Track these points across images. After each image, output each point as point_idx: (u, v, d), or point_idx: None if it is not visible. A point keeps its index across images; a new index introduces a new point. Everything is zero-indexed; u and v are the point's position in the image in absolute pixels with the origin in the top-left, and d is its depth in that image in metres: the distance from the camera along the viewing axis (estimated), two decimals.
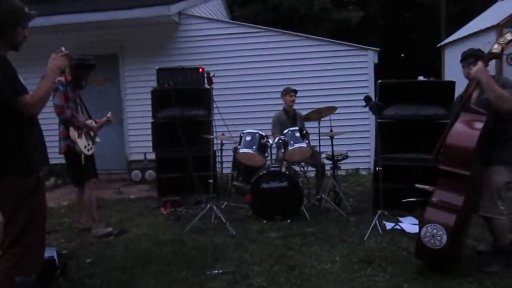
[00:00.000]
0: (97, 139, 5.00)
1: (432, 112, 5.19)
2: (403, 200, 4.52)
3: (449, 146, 3.44)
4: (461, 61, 3.74)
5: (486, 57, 3.47)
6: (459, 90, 4.24)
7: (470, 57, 3.68)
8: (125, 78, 8.35)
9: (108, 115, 5.14)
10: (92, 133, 4.88)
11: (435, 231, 3.33)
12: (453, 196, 3.40)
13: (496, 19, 9.62)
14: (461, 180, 3.36)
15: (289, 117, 6.06)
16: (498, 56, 3.46)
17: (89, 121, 4.88)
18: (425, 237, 3.37)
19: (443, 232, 3.30)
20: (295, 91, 6.05)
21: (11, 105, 2.49)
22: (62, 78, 4.52)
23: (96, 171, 5.05)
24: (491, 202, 3.43)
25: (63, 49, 2.80)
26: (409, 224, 4.64)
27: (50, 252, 3.39)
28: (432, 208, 3.45)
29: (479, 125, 3.36)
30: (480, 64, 3.37)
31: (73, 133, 4.57)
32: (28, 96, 2.53)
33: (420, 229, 3.42)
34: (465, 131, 3.44)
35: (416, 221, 3.97)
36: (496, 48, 3.37)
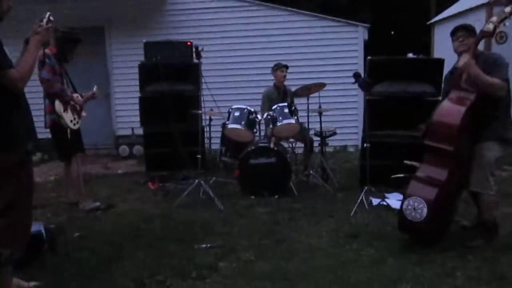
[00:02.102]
0: (84, 114, 4.93)
1: (420, 89, 5.22)
2: (392, 176, 4.57)
3: (435, 122, 3.51)
4: (451, 34, 3.72)
5: (478, 36, 3.46)
6: (448, 68, 4.25)
7: (459, 30, 3.66)
8: (112, 52, 8.21)
9: (94, 89, 5.06)
10: (78, 107, 4.81)
11: (416, 204, 3.41)
12: (436, 171, 3.47)
13: None
14: (446, 155, 3.43)
15: (280, 93, 6.03)
16: (490, 35, 3.44)
17: (75, 95, 4.81)
18: (407, 210, 3.46)
19: (424, 205, 3.38)
20: (286, 67, 6.00)
21: None
22: (47, 51, 4.42)
23: (83, 146, 5.00)
24: (482, 177, 3.47)
25: (49, 15, 2.72)
26: (395, 200, 4.71)
27: (37, 227, 3.39)
28: (415, 182, 3.55)
29: (467, 103, 3.39)
30: (467, 57, 3.35)
31: (59, 107, 4.49)
32: (15, 70, 2.47)
33: (403, 202, 3.49)
34: (451, 108, 3.48)
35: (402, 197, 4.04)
36: (488, 27, 3.37)
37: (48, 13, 2.74)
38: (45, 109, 4.61)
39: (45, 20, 2.70)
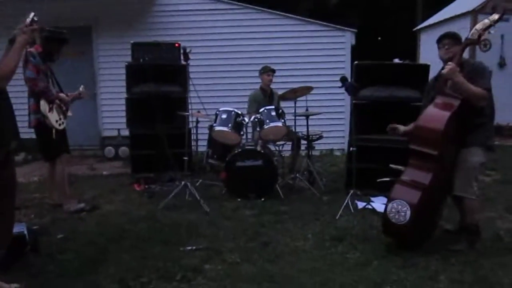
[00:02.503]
0: (69, 114, 4.88)
1: (406, 94, 5.28)
2: (378, 180, 4.61)
3: (420, 127, 3.57)
4: (437, 42, 3.78)
5: (462, 44, 3.51)
6: (433, 74, 4.31)
7: (445, 38, 3.71)
8: (99, 52, 8.14)
9: (81, 89, 5.02)
10: (64, 107, 4.75)
11: (400, 207, 3.45)
12: (421, 174, 3.52)
13: (471, 5, 9.75)
14: (430, 159, 3.48)
15: (266, 96, 6.05)
16: (475, 43, 3.51)
17: (61, 95, 4.75)
18: (391, 213, 3.50)
19: (407, 208, 3.42)
20: (273, 71, 6.02)
21: None
22: (33, 49, 4.37)
23: (68, 146, 4.94)
24: (466, 182, 3.52)
25: (33, 16, 2.70)
26: (380, 204, 4.73)
27: (19, 228, 3.34)
28: (399, 185, 3.60)
29: (451, 108, 3.45)
30: (451, 64, 3.40)
31: (44, 106, 4.44)
32: None
33: (387, 205, 3.53)
34: (436, 113, 3.54)
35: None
36: (473, 34, 3.42)
37: (32, 13, 2.73)
38: (29, 109, 4.55)
39: (28, 20, 2.69)
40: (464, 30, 3.54)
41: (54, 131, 4.56)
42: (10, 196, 2.65)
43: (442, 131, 3.41)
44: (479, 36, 3.40)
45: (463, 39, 3.59)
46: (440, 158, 3.45)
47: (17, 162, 7.03)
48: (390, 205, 3.52)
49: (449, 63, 3.43)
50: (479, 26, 3.41)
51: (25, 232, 3.39)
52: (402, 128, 3.88)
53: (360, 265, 3.38)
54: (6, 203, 2.62)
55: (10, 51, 2.63)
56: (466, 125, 3.52)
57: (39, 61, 4.44)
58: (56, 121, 4.58)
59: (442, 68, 3.60)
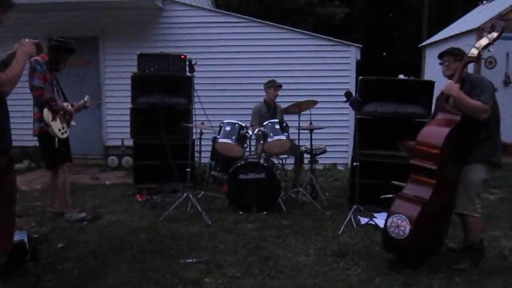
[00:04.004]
0: (73, 123, 4.90)
1: (410, 110, 5.26)
2: (382, 196, 4.59)
3: (420, 142, 3.58)
4: (439, 58, 3.78)
5: (463, 61, 3.52)
6: (438, 90, 4.30)
7: (445, 55, 3.72)
8: (105, 62, 8.19)
9: (86, 98, 5.04)
10: (67, 117, 4.77)
11: (399, 221, 3.43)
12: (421, 189, 3.52)
13: (477, 23, 9.79)
14: (430, 174, 3.47)
15: (270, 109, 6.05)
16: (475, 60, 3.51)
17: (65, 104, 4.77)
18: (391, 227, 3.48)
19: (407, 222, 3.40)
20: (280, 86, 6.03)
21: None
22: (39, 58, 4.40)
23: (71, 155, 4.95)
24: (468, 199, 3.50)
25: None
26: (382, 220, 4.67)
27: (20, 236, 3.33)
28: (400, 200, 3.59)
29: (450, 125, 3.45)
30: (450, 82, 3.43)
31: (47, 115, 4.45)
32: (2, 74, 2.46)
33: (387, 220, 3.51)
34: (435, 130, 3.56)
35: None
36: (473, 52, 3.43)
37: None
38: (34, 117, 4.56)
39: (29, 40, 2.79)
40: (469, 48, 3.53)
41: (56, 140, 4.57)
42: (11, 202, 2.65)
43: (441, 147, 3.41)
44: (479, 53, 3.42)
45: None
46: (439, 173, 3.44)
47: (20, 170, 7.07)
48: (390, 220, 3.51)
49: (449, 81, 3.45)
50: (478, 44, 3.43)
51: (25, 240, 3.38)
52: (411, 143, 3.86)
53: (362, 282, 3.34)
54: (8, 209, 2.62)
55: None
56: (468, 142, 3.50)
57: (45, 70, 4.47)
58: (59, 130, 4.59)
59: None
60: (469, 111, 3.37)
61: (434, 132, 3.54)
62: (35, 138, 4.60)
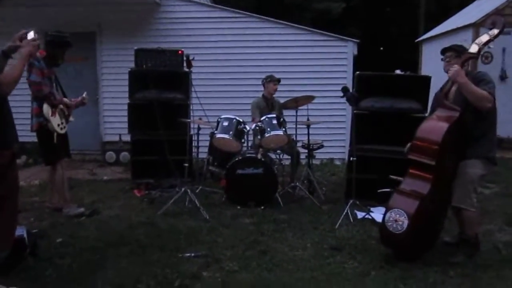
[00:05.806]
0: (71, 118, 4.91)
1: (407, 105, 5.29)
2: (378, 191, 4.62)
3: (418, 138, 3.61)
4: (441, 53, 3.81)
5: (463, 57, 3.54)
6: (435, 85, 4.33)
7: (448, 51, 3.74)
8: (102, 58, 8.17)
9: (84, 95, 5.04)
10: (66, 112, 4.78)
11: (397, 216, 3.47)
12: (419, 184, 3.55)
13: (474, 18, 9.80)
14: (428, 169, 3.50)
15: (268, 105, 6.07)
16: (475, 57, 3.52)
17: (65, 99, 4.78)
18: (389, 222, 3.52)
19: (405, 217, 3.44)
20: (279, 81, 6.05)
21: None
22: (37, 54, 4.39)
23: (69, 151, 4.97)
24: (465, 194, 3.53)
25: (33, 33, 2.78)
26: (379, 214, 4.70)
27: (20, 231, 3.35)
28: (398, 195, 3.63)
29: (449, 121, 3.48)
30: (456, 66, 3.43)
31: (47, 110, 4.46)
32: (2, 76, 2.49)
33: (385, 214, 3.54)
34: (434, 125, 3.59)
35: None
36: (473, 48, 3.45)
37: (32, 31, 2.80)
38: (32, 112, 4.57)
39: (30, 37, 2.77)
40: (466, 43, 3.57)
41: (55, 135, 4.58)
42: (14, 198, 2.68)
43: (439, 142, 3.44)
44: (479, 50, 3.43)
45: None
46: (438, 168, 3.47)
47: (18, 165, 7.05)
48: (388, 214, 3.55)
49: (454, 65, 3.45)
50: (479, 40, 3.45)
51: (25, 235, 3.40)
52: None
53: (358, 276, 3.38)
54: (11, 204, 2.64)
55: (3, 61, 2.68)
56: (467, 137, 3.54)
57: (43, 65, 4.47)
58: (58, 125, 4.60)
59: (447, 81, 3.63)
60: (476, 98, 3.38)
61: (433, 128, 3.56)
62: (33, 133, 4.61)
